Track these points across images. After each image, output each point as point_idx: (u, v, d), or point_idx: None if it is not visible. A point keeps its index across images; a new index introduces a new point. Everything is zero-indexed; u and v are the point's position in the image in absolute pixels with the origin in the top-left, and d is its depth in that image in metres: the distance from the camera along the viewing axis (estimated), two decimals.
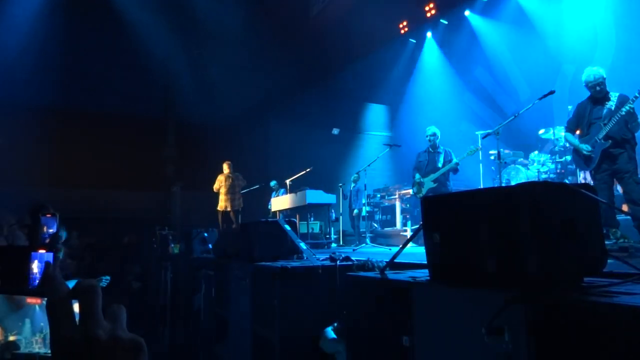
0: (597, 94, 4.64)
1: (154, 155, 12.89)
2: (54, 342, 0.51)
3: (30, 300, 0.76)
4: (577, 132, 4.97)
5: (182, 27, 12.57)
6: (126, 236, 10.54)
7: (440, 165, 6.75)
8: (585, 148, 4.64)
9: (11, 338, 0.75)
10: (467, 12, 11.78)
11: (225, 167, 9.62)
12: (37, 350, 0.77)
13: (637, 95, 4.39)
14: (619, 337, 1.01)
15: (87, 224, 9.16)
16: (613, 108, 4.48)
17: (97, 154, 11.87)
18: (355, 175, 10.13)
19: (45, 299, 0.69)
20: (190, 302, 5.77)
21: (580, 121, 4.84)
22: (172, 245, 8.04)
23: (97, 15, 11.71)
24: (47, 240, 2.19)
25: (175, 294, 6.96)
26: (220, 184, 9.54)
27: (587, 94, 4.89)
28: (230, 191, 9.47)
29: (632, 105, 4.37)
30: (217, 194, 9.74)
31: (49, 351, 0.68)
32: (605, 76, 4.63)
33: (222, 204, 9.50)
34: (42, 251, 1.87)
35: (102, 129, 12.10)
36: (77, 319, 0.53)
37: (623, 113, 4.36)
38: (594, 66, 4.76)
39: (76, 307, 0.53)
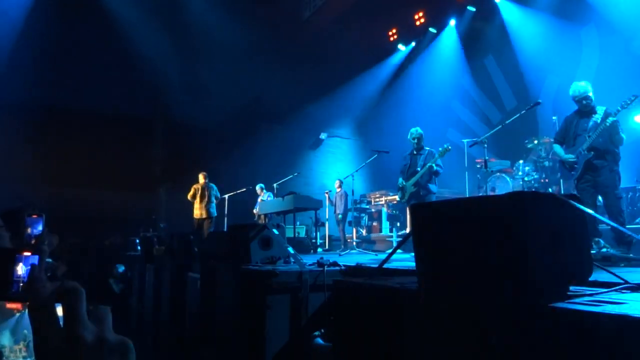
0: (584, 107, 4.76)
1: (141, 156, 12.77)
2: (38, 347, 0.50)
3: (10, 306, 0.74)
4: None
5: (172, 27, 12.51)
6: (109, 237, 10.39)
7: (419, 168, 6.60)
8: (570, 157, 4.74)
9: None
10: (452, 22, 11.95)
11: (201, 178, 9.99)
12: (20, 359, 0.75)
13: (619, 109, 4.49)
14: (605, 346, 1.04)
15: (72, 223, 9.02)
16: (599, 121, 4.59)
17: (84, 153, 11.71)
18: (342, 180, 10.16)
19: (27, 304, 0.67)
20: (174, 305, 5.71)
21: (567, 133, 4.94)
22: (157, 247, 7.95)
23: (87, 15, 11.60)
24: (32, 242, 2.14)
25: (160, 296, 6.88)
26: (195, 192, 9.96)
27: (572, 105, 5.01)
28: (205, 200, 9.91)
29: (615, 119, 4.47)
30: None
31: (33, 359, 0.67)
32: (591, 91, 4.74)
33: (197, 212, 9.96)
34: (27, 254, 1.84)
35: (89, 128, 11.94)
36: (61, 322, 0.51)
37: (607, 125, 4.46)
38: (581, 81, 4.87)
39: (60, 310, 0.52)
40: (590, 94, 4.74)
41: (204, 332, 4.54)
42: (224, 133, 12.67)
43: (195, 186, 10.01)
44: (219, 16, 12.62)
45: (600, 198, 4.79)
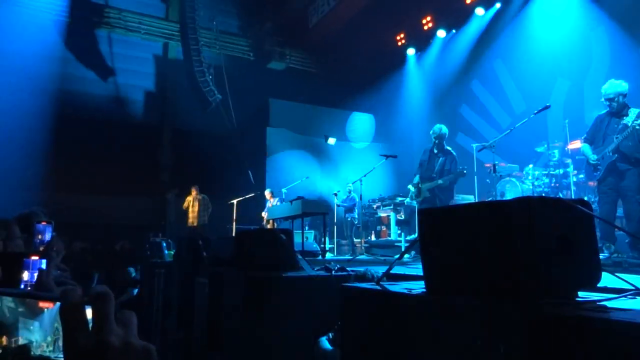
0: (612, 108, 4.60)
1: (149, 162, 12.87)
2: (68, 348, 0.51)
3: (42, 304, 0.77)
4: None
5: (182, 34, 12.63)
6: (119, 242, 10.46)
7: (434, 173, 6.34)
8: (593, 158, 4.62)
9: (22, 342, 0.76)
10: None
11: (193, 191, 11.03)
12: (47, 353, 0.77)
13: None
14: (612, 353, 1.02)
15: (81, 229, 9.10)
16: (629, 123, 4.42)
17: (93, 159, 11.83)
18: (350, 185, 10.14)
19: (57, 303, 0.69)
20: (183, 310, 5.73)
21: (597, 133, 4.78)
22: (166, 252, 7.98)
23: (94, 20, 11.74)
24: (41, 248, 2.18)
25: (169, 301, 6.90)
26: (188, 204, 11.11)
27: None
28: (197, 210, 10.99)
29: None
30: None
31: (60, 355, 0.68)
32: (619, 92, 4.55)
33: (190, 220, 11.05)
34: (34, 258, 1.86)
35: (98, 135, 12.07)
36: (89, 325, 0.53)
37: (637, 127, 4.31)
38: (618, 80, 4.67)
39: (89, 313, 0.54)
40: (617, 95, 4.53)
41: (211, 338, 4.55)
42: (231, 138, 12.75)
43: (188, 198, 11.07)
44: (229, 21, 12.68)
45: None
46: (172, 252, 7.74)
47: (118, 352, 0.51)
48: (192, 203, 11.09)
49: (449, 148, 6.48)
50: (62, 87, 11.47)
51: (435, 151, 6.49)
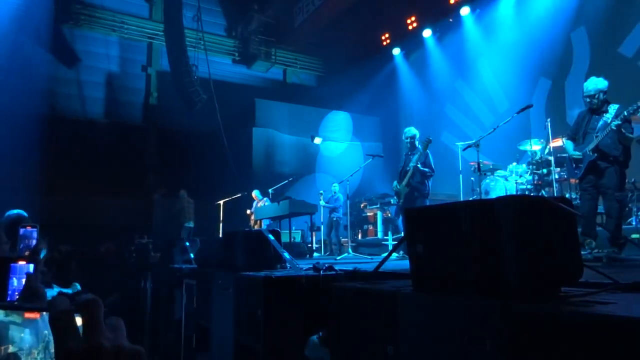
0: (592, 105, 4.67)
1: (135, 163, 12.73)
2: (59, 355, 0.52)
3: (28, 315, 0.77)
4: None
5: (166, 33, 12.50)
6: (104, 244, 10.33)
7: (408, 168, 6.46)
8: (575, 154, 4.68)
9: (12, 349, 0.76)
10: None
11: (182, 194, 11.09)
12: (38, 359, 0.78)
13: (625, 115, 4.35)
14: (594, 344, 1.06)
15: (65, 231, 8.97)
16: (609, 121, 4.49)
17: (77, 160, 11.66)
18: (335, 185, 10.16)
19: (45, 312, 0.70)
20: (170, 312, 5.70)
21: (578, 130, 4.84)
22: (152, 254, 7.92)
23: (77, 19, 11.57)
24: (27, 253, 2.16)
25: (156, 303, 6.85)
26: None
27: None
28: (182, 211, 11.04)
29: (619, 122, 4.34)
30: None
31: None
32: (599, 88, 4.62)
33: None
34: (21, 263, 1.84)
35: (82, 135, 11.91)
36: (80, 331, 0.54)
37: (613, 127, 4.38)
38: (598, 77, 4.73)
39: (79, 320, 0.55)
40: (598, 92, 4.60)
41: (200, 340, 4.54)
42: (217, 138, 12.68)
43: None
44: (215, 21, 12.62)
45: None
46: (159, 255, 7.69)
47: (110, 355, 0.52)
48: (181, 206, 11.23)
49: (419, 147, 6.65)
50: (45, 87, 11.28)
51: (409, 153, 6.73)
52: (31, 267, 1.78)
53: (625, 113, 4.36)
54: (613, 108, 4.57)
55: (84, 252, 9.60)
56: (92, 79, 12.65)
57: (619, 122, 4.33)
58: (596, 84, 4.63)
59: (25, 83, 10.54)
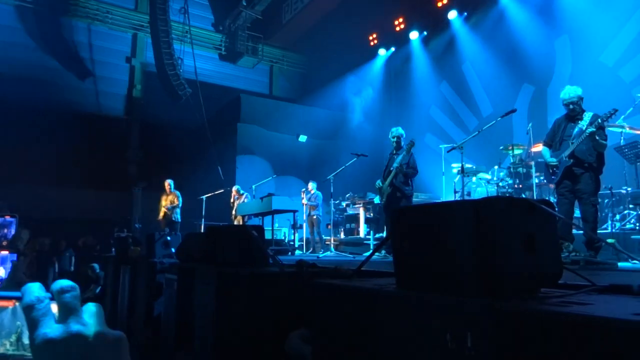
0: (570, 112, 4.79)
1: (116, 156, 12.53)
2: (35, 343, 0.52)
3: (1, 303, 0.75)
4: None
5: (152, 25, 12.32)
6: (82, 238, 10.16)
7: (392, 168, 6.49)
8: (552, 161, 4.81)
9: None
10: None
11: (166, 185, 10.29)
12: (10, 352, 0.76)
13: (599, 122, 4.50)
14: (572, 344, 1.09)
15: (45, 223, 8.79)
16: (584, 127, 4.60)
17: (56, 152, 11.42)
18: (312, 183, 10.15)
19: (17, 302, 0.69)
20: (150, 308, 5.62)
21: (554, 137, 4.97)
22: (132, 248, 7.81)
23: (59, 7, 11.31)
24: (5, 243, 2.14)
25: (135, 299, 6.76)
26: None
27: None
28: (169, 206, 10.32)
29: (593, 129, 4.46)
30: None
31: (24, 352, 0.68)
32: (579, 95, 4.74)
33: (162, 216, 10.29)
34: (4, 253, 1.82)
35: (62, 127, 11.66)
36: (55, 318, 0.54)
37: (587, 134, 4.50)
38: (574, 85, 4.87)
39: (54, 307, 0.54)
40: (579, 99, 4.73)
41: (180, 336, 4.49)
42: (201, 133, 12.57)
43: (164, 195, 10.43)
44: (202, 15, 12.47)
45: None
46: (138, 249, 7.58)
47: (89, 340, 0.52)
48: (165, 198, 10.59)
49: (405, 147, 6.68)
50: (25, 75, 11.02)
51: (394, 152, 6.76)
52: (15, 256, 1.75)
53: (600, 120, 4.50)
54: (588, 115, 4.71)
55: (61, 244, 9.43)
56: (74, 69, 12.40)
57: (594, 129, 4.46)
58: (575, 90, 4.77)
59: (2, 70, 10.28)
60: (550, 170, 4.90)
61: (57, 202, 11.09)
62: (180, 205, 10.21)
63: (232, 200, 10.74)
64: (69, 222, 10.42)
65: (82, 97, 12.49)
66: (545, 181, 6.86)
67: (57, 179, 11.38)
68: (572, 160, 4.62)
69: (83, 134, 11.92)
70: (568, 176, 4.68)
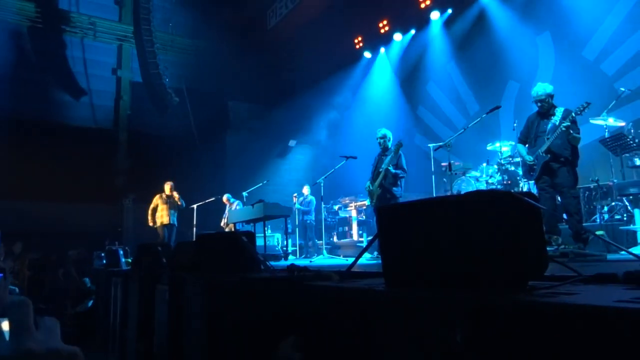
0: (540, 108, 4.92)
1: (104, 166, 12.43)
2: None
3: None
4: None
5: (136, 35, 12.27)
6: (72, 250, 10.04)
7: (381, 169, 6.49)
8: (529, 159, 4.91)
9: None
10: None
11: (167, 188, 10.04)
12: None
13: (573, 116, 4.61)
14: (559, 332, 1.09)
15: (33, 238, 8.67)
16: (557, 123, 4.71)
17: (44, 164, 11.30)
18: (308, 186, 10.15)
19: None
20: (142, 319, 5.56)
21: (528, 134, 5.08)
22: (123, 260, 7.74)
23: (45, 21, 11.24)
24: None
25: (126, 310, 6.68)
26: (157, 202, 10.02)
27: (533, 108, 5.19)
28: (170, 208, 9.96)
29: (568, 123, 4.56)
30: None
31: None
32: (548, 92, 4.86)
33: (164, 219, 9.92)
34: None
35: (49, 138, 11.55)
36: (6, 336, 0.52)
37: (563, 128, 4.62)
38: (544, 82, 4.99)
39: (5, 325, 0.52)
40: (547, 96, 4.85)
41: (172, 347, 4.44)
42: (189, 141, 12.51)
43: (162, 195, 9.96)
44: (186, 23, 12.44)
45: (559, 197, 4.97)
46: (130, 260, 7.52)
47: (41, 358, 0.50)
48: (163, 200, 10.16)
49: (393, 148, 6.68)
50: (8, 89, 10.89)
51: (382, 154, 6.78)
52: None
53: (573, 114, 4.59)
54: (560, 110, 4.83)
55: (52, 258, 9.31)
56: (59, 81, 12.30)
57: (568, 124, 4.56)
58: (545, 88, 4.89)
59: None
60: (529, 168, 4.99)
61: (46, 215, 10.96)
62: (183, 206, 10.02)
63: (227, 209, 10.69)
64: (59, 236, 10.29)
65: (69, 110, 12.39)
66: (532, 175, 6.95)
67: (46, 193, 11.25)
68: (549, 155, 4.73)
69: (71, 147, 11.82)
70: (546, 171, 4.78)
